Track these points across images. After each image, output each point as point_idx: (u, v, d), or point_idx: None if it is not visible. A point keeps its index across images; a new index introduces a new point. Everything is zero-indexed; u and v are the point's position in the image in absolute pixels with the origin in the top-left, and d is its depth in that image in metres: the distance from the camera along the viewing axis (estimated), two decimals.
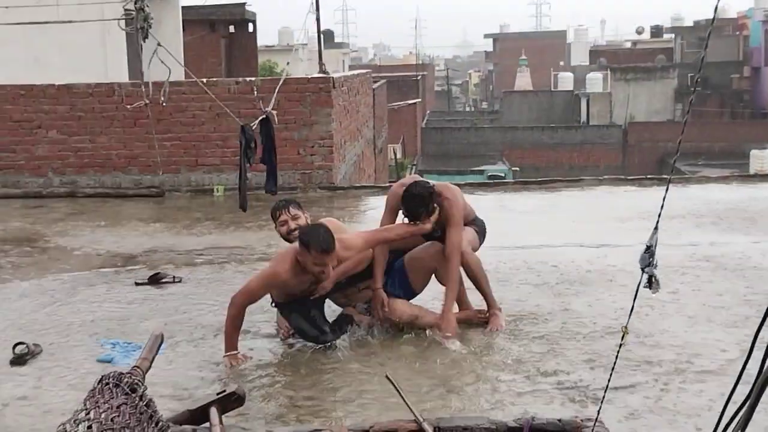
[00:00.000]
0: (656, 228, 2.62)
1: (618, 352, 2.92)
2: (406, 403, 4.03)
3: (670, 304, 6.31)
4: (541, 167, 41.47)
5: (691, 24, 63.45)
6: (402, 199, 5.80)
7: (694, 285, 6.90)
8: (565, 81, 59.04)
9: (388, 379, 4.34)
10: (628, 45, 74.82)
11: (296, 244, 5.53)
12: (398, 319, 5.86)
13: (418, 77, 53.34)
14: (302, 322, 5.66)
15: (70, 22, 13.84)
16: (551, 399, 4.69)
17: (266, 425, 4.39)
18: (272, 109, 9.26)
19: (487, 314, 6.02)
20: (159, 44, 7.62)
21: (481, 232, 6.32)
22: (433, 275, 5.99)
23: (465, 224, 6.04)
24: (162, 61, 7.86)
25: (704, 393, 4.69)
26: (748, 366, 2.18)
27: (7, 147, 12.91)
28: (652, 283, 2.96)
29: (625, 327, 2.79)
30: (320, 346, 5.60)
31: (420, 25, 79.71)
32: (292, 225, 5.99)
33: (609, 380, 3.13)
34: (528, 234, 8.89)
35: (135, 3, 7.58)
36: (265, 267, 5.91)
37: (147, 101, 8.67)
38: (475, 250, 6.13)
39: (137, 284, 7.43)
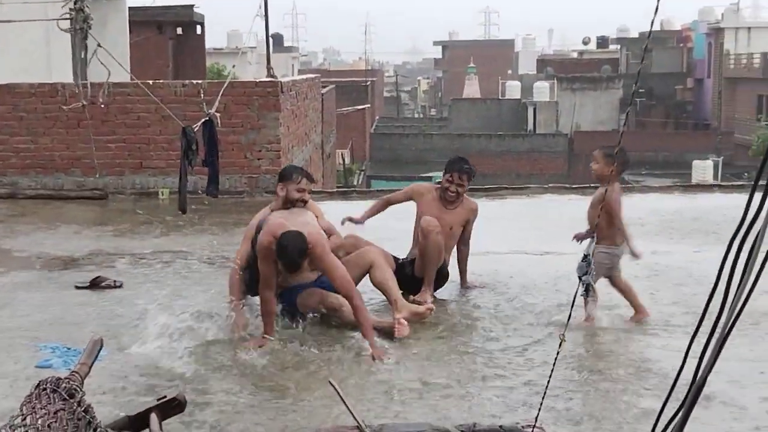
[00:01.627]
0: (593, 237, 2.65)
1: (555, 359, 2.95)
2: (349, 409, 4.02)
3: (610, 312, 6.38)
4: (488, 174, 41.68)
5: (636, 36, 64.44)
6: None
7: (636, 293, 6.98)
8: (513, 89, 59.56)
9: (331, 384, 4.33)
10: (575, 55, 75.74)
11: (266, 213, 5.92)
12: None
13: (368, 83, 53.40)
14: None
15: (10, 21, 13.59)
16: (494, 405, 4.71)
17: None
18: (217, 111, 9.19)
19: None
20: (99, 45, 7.52)
21: None
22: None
23: None
24: (101, 62, 7.75)
25: (643, 399, 4.75)
26: (683, 374, 2.21)
27: None
28: (589, 291, 3.00)
29: (563, 335, 2.82)
30: (261, 347, 5.66)
31: (370, 31, 79.91)
32: (306, 197, 6.21)
33: (547, 386, 3.16)
34: (473, 241, 8.92)
35: (74, 3, 7.48)
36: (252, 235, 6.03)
37: (84, 102, 8.54)
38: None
39: (77, 288, 7.31)
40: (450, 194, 6.85)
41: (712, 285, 2.06)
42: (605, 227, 5.94)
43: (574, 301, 2.73)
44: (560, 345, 2.79)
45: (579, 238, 6.11)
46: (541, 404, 3.44)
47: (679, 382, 2.18)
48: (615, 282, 6.18)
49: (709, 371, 2.05)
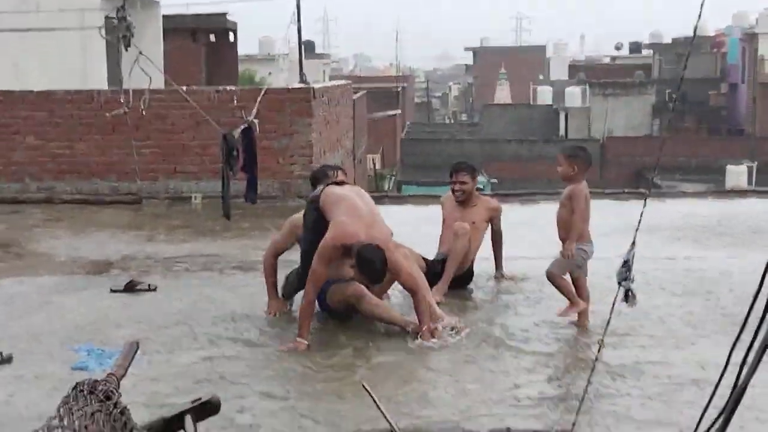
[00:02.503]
0: (633, 243, 2.63)
1: (594, 363, 2.93)
2: (382, 412, 4.02)
3: (647, 317, 6.34)
4: (520, 180, 41.55)
5: (669, 41, 64.00)
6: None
7: (670, 299, 6.94)
8: (545, 95, 59.32)
9: (365, 387, 4.34)
10: (607, 60, 75.35)
11: (352, 232, 5.83)
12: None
13: (399, 89, 53.48)
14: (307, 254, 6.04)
15: (50, 29, 13.76)
16: (529, 409, 4.69)
17: None
18: (254, 118, 9.25)
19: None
20: (140, 52, 7.60)
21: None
22: None
23: None
24: (143, 70, 7.84)
25: (682, 405, 4.70)
26: (725, 379, 2.19)
27: None
28: (628, 297, 2.99)
29: (602, 340, 2.81)
30: (297, 350, 5.71)
31: (400, 37, 79.91)
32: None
33: (585, 391, 3.14)
34: (507, 246, 8.89)
35: (117, 12, 7.56)
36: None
37: (126, 109, 8.65)
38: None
39: (112, 291, 7.38)
40: (457, 193, 7.45)
41: (754, 293, 2.03)
42: (582, 223, 6.11)
43: (613, 306, 2.71)
44: (599, 350, 2.78)
45: (567, 253, 6.13)
46: (579, 409, 3.42)
47: (719, 391, 2.16)
48: (578, 281, 6.19)
49: (749, 379, 2.03)
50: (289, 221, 6.79)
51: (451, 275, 7.07)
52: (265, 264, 6.75)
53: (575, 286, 6.27)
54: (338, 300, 6.24)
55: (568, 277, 6.28)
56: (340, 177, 6.64)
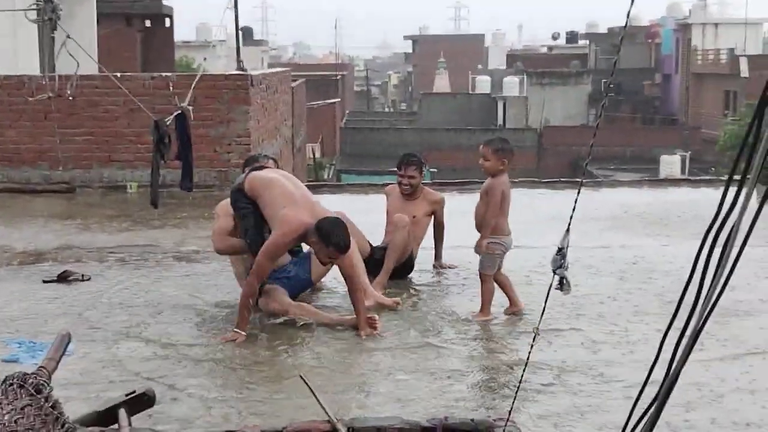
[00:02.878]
0: (568, 230, 2.64)
1: (530, 352, 2.94)
2: (320, 404, 4.00)
3: (582, 305, 6.41)
4: (459, 169, 41.82)
5: (605, 31, 64.86)
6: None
7: (605, 287, 7.03)
8: (483, 84, 59.71)
9: (302, 379, 4.31)
10: (544, 50, 76.13)
11: (299, 221, 5.78)
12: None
13: (338, 77, 53.34)
14: (255, 238, 6.02)
15: None
16: (466, 399, 4.71)
17: (177, 427, 4.31)
18: (188, 105, 9.12)
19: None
20: (68, 36, 7.43)
21: None
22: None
23: None
24: (71, 54, 7.66)
25: (615, 394, 4.77)
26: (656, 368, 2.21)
27: None
28: (563, 284, 3.00)
29: (537, 328, 2.82)
30: (235, 341, 5.64)
31: (340, 25, 79.72)
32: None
33: (521, 380, 3.16)
34: (446, 235, 8.93)
35: None
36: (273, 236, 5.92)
37: (51, 94, 8.45)
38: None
39: (45, 282, 7.23)
40: (404, 187, 7.41)
41: (686, 279, 2.05)
42: (493, 218, 6.10)
43: (548, 294, 2.72)
44: (534, 339, 2.79)
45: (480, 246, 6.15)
46: (515, 398, 3.44)
47: (652, 378, 2.18)
48: (496, 274, 6.23)
49: (683, 365, 2.06)
50: (220, 206, 6.66)
51: (391, 267, 7.04)
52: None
53: (497, 280, 6.26)
54: (261, 305, 6.14)
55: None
56: (270, 165, 6.61)
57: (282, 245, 5.91)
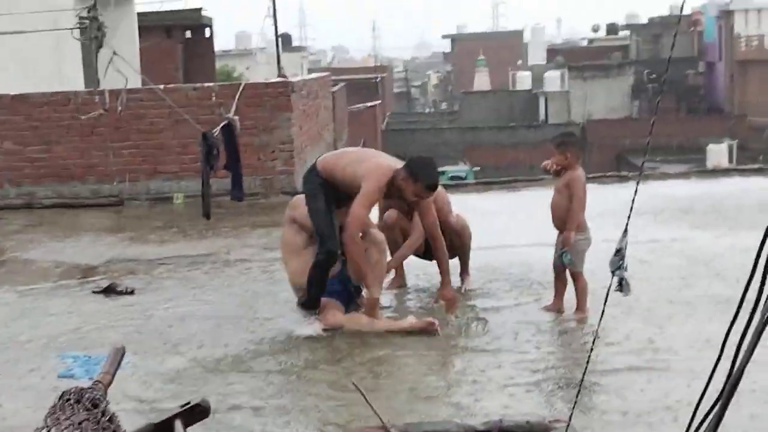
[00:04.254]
0: (625, 231, 2.59)
1: (590, 353, 2.89)
2: (373, 410, 3.98)
3: (638, 302, 6.32)
4: (502, 167, 41.61)
5: (645, 21, 64.13)
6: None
7: (660, 282, 6.92)
8: (524, 80, 59.38)
9: (355, 385, 4.30)
10: (585, 43, 75.44)
11: (387, 165, 5.81)
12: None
13: (378, 79, 53.34)
14: (326, 212, 5.92)
15: (22, 32, 13.61)
16: (522, 401, 4.66)
17: None
18: (233, 116, 9.18)
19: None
20: (114, 53, 7.51)
21: None
22: None
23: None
24: (118, 70, 7.74)
25: (677, 393, 4.67)
26: (720, 365, 2.15)
27: None
28: (623, 285, 2.96)
29: (597, 330, 2.78)
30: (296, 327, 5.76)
31: (378, 27, 79.77)
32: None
33: (581, 381, 3.11)
34: (492, 234, 8.88)
35: (88, 12, 7.46)
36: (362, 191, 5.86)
37: (103, 110, 8.55)
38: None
39: (94, 293, 7.32)
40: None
41: (746, 270, 1.99)
42: (581, 211, 6.04)
43: (607, 297, 2.66)
44: (594, 340, 2.74)
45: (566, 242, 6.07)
46: (575, 401, 3.39)
47: (716, 375, 2.12)
48: (576, 276, 6.15)
49: (746, 363, 2.00)
50: (291, 203, 6.57)
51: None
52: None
53: (557, 279, 6.20)
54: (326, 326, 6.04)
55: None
56: None
57: (375, 191, 5.80)
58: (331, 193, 6.01)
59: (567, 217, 6.03)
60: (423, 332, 5.79)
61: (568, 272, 6.19)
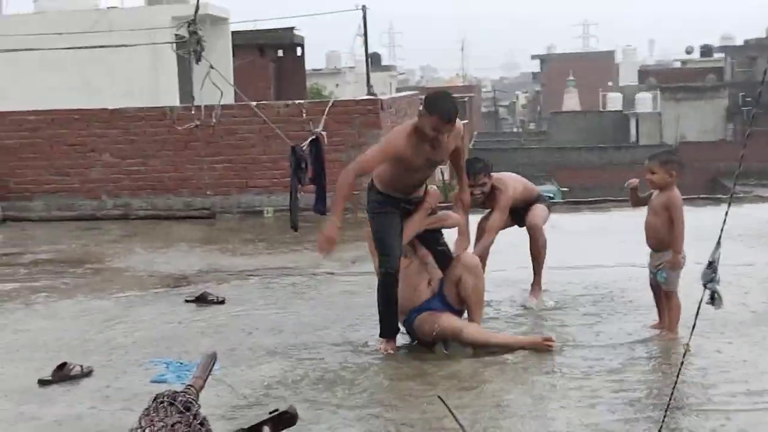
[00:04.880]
0: (719, 243, 2.56)
1: (679, 370, 2.86)
2: (460, 424, 3.99)
3: (729, 324, 6.18)
4: (591, 187, 41.11)
5: (741, 43, 62.71)
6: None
7: (754, 305, 6.76)
8: (614, 101, 58.65)
9: (441, 400, 4.31)
10: (678, 65, 74.13)
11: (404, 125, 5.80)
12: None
13: (465, 99, 53.33)
14: (388, 230, 5.87)
15: (122, 46, 14.07)
16: (611, 422, 4.60)
17: None
18: (321, 130, 9.31)
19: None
20: (211, 66, 7.71)
21: (547, 205, 7.41)
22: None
23: (531, 202, 7.23)
24: (214, 83, 7.94)
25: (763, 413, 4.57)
26: None
27: (61, 170, 13.14)
28: (714, 299, 2.91)
29: (688, 344, 2.74)
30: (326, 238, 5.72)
31: (466, 47, 79.82)
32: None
33: (669, 400, 3.07)
34: (580, 255, 8.80)
35: (188, 26, 7.68)
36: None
37: (198, 122, 8.77)
38: (545, 221, 7.23)
39: (187, 301, 7.50)
40: (476, 197, 6.96)
41: None
42: (668, 233, 5.91)
43: (698, 310, 2.63)
44: (684, 355, 2.71)
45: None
46: (664, 418, 3.34)
47: None
48: (670, 296, 6.04)
49: None
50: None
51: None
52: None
53: (667, 301, 6.12)
54: (427, 334, 5.91)
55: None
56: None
57: (392, 141, 5.75)
58: (395, 204, 5.92)
59: (670, 238, 5.92)
60: (537, 348, 5.76)
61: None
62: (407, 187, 5.95)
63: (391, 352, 5.89)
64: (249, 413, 4.71)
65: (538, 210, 7.21)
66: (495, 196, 7.04)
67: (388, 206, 5.95)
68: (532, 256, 7.17)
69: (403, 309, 5.98)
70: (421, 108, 5.68)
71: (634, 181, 6.26)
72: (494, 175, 7.14)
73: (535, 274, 7.16)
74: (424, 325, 5.92)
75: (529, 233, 7.15)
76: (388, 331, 5.96)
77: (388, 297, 5.89)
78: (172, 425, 3.89)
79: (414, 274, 6.01)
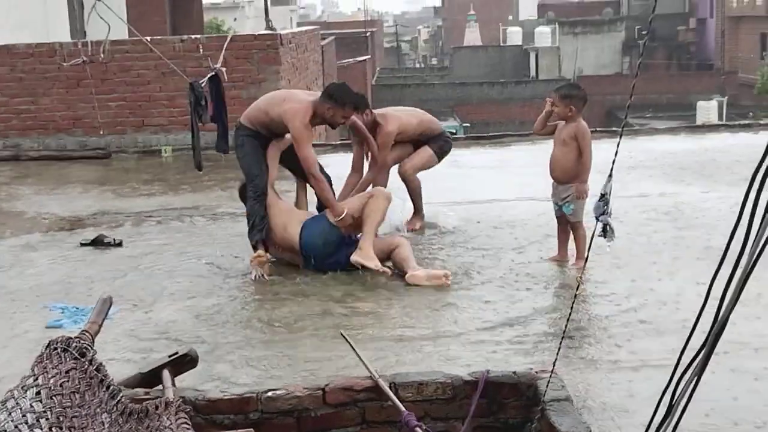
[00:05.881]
0: (610, 176, 2.59)
1: (573, 302, 2.91)
2: (362, 360, 4.00)
3: (623, 254, 6.35)
4: (492, 122, 41.49)
5: None
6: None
7: (646, 236, 6.95)
8: (514, 36, 58.99)
9: (343, 336, 4.32)
10: None
11: (306, 103, 6.32)
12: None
13: (367, 34, 52.87)
14: (251, 161, 6.47)
15: None
16: (507, 351, 4.69)
17: (221, 386, 4.33)
18: (220, 67, 9.09)
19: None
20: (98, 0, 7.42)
21: (441, 149, 7.46)
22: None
23: (423, 141, 7.36)
24: (101, 17, 7.64)
25: (660, 344, 4.71)
26: (703, 318, 2.16)
27: None
28: (606, 231, 2.96)
29: (580, 277, 2.78)
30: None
31: None
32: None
33: (564, 331, 3.12)
34: (480, 189, 8.89)
35: None
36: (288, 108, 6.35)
37: (84, 59, 8.45)
38: (425, 168, 7.40)
39: (82, 245, 7.30)
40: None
41: (731, 224, 2.00)
42: (576, 165, 6.05)
43: (591, 242, 2.67)
44: (577, 288, 2.75)
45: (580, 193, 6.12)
46: (559, 349, 3.40)
47: (699, 327, 2.13)
48: (577, 227, 6.22)
49: (730, 312, 2.01)
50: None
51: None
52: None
53: (574, 232, 6.26)
54: (378, 251, 6.19)
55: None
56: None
57: (303, 129, 6.23)
58: (262, 139, 6.54)
59: (578, 169, 6.05)
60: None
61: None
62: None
63: (267, 275, 6.11)
64: (148, 357, 4.64)
65: (417, 156, 7.39)
66: (377, 132, 7.18)
67: (252, 141, 6.55)
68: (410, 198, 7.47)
69: (284, 243, 6.37)
70: (327, 102, 6.25)
71: (552, 100, 6.25)
72: (379, 111, 7.28)
73: (415, 208, 7.48)
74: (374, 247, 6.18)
75: (400, 178, 7.39)
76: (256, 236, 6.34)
77: (259, 209, 6.36)
78: (67, 371, 3.79)
79: (283, 213, 6.45)
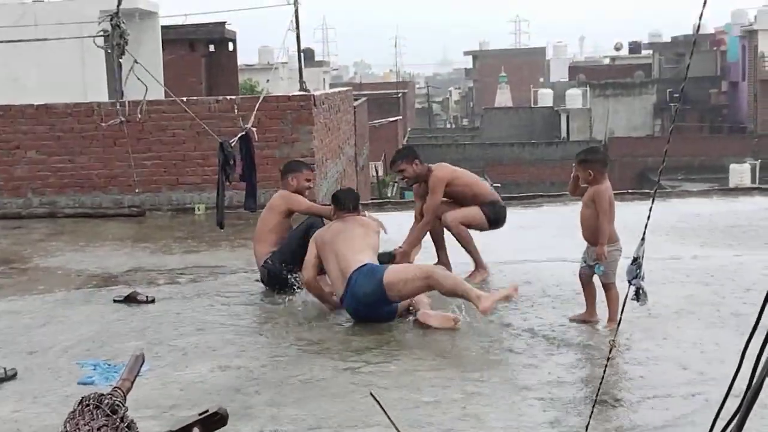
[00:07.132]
0: (643, 239, 2.59)
1: (606, 366, 2.89)
2: (391, 421, 3.98)
3: (656, 318, 6.29)
4: (523, 183, 41.57)
5: (668, 40, 63.97)
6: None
7: (679, 298, 6.89)
8: (545, 97, 59.34)
9: (373, 396, 4.30)
10: (607, 61, 75.33)
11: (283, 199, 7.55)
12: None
13: (399, 95, 53.45)
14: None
15: (46, 39, 13.76)
16: (538, 415, 4.64)
17: None
18: (252, 126, 9.22)
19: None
20: (136, 61, 7.56)
21: (493, 212, 7.64)
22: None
23: (480, 201, 7.55)
24: (139, 79, 7.79)
25: (693, 406, 4.64)
26: (737, 381, 2.14)
27: None
28: (639, 295, 2.94)
29: (613, 340, 2.77)
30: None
31: (400, 43, 79.94)
32: (312, 185, 8.15)
33: (597, 395, 3.10)
34: (511, 250, 8.87)
35: (110, 20, 7.52)
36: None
37: (122, 119, 8.61)
38: (469, 223, 7.53)
39: (115, 301, 7.36)
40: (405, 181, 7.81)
41: (764, 288, 1.99)
42: (609, 224, 6.09)
43: (624, 306, 2.66)
44: (611, 351, 2.73)
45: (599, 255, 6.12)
46: (592, 412, 3.37)
47: (734, 389, 2.11)
48: (609, 288, 6.21)
49: (765, 375, 1.99)
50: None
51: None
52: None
53: (606, 293, 6.24)
54: (402, 280, 6.23)
55: (598, 283, 6.24)
56: (310, 175, 8.02)
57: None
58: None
59: (596, 231, 6.07)
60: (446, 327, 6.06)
61: (599, 282, 6.21)
62: None
63: None
64: (178, 415, 4.64)
65: (464, 209, 7.54)
66: (429, 180, 7.52)
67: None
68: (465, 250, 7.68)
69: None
70: (290, 175, 7.57)
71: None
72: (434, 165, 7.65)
73: (473, 260, 7.64)
74: (398, 274, 6.30)
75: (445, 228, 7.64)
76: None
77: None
78: (98, 429, 3.80)
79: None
